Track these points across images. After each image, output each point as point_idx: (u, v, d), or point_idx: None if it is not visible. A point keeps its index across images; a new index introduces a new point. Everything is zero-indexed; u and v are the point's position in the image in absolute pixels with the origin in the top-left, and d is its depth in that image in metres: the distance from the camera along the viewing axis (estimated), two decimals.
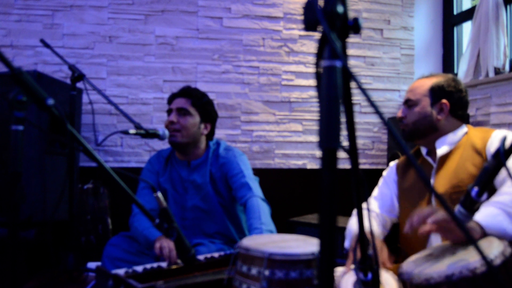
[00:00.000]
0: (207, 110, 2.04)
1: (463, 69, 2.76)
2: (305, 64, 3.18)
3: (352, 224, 1.62)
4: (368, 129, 3.24)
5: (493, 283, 0.96)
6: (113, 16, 2.95)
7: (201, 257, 1.58)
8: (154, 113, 2.98)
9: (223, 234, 2.03)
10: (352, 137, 0.73)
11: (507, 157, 1.01)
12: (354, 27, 0.61)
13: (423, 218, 1.17)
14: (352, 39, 2.84)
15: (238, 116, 3.08)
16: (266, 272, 1.07)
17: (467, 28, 3.02)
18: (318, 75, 0.60)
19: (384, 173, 1.78)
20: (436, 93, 1.57)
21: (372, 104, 0.57)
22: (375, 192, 1.75)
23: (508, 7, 2.53)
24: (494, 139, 1.45)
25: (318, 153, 3.09)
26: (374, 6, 3.28)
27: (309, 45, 3.19)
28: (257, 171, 2.12)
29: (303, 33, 3.17)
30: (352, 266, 1.27)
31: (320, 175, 0.57)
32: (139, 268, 1.44)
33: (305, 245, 1.18)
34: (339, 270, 1.26)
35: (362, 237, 0.89)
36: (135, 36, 2.97)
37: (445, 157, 1.54)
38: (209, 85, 3.01)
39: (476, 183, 1.08)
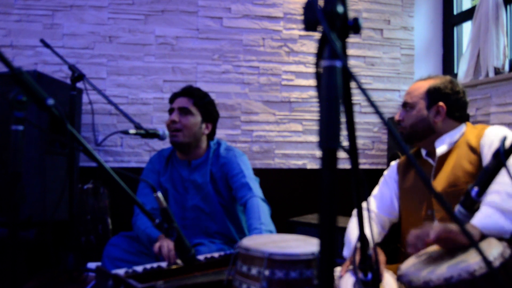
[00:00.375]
0: (208, 110, 2.04)
1: (463, 69, 2.76)
2: (305, 64, 3.18)
3: (351, 230, 1.60)
4: (368, 129, 3.24)
5: (492, 285, 0.96)
6: (113, 16, 2.94)
7: (201, 257, 1.58)
8: (154, 113, 2.98)
9: (223, 234, 2.03)
10: (352, 137, 0.73)
11: (507, 157, 1.01)
12: (354, 27, 0.61)
13: (423, 240, 1.16)
14: (352, 39, 2.84)
15: (238, 116, 3.08)
16: (266, 272, 1.07)
17: (467, 28, 3.02)
18: (318, 75, 0.60)
19: (385, 172, 1.78)
20: (432, 95, 1.57)
21: (372, 104, 0.57)
22: (375, 190, 1.75)
23: (508, 7, 2.52)
24: (487, 135, 1.45)
25: (318, 153, 3.08)
26: (374, 6, 3.28)
27: (309, 45, 3.19)
28: (257, 171, 2.12)
29: (303, 33, 3.16)
30: (350, 267, 1.27)
31: (320, 175, 0.57)
32: (139, 268, 1.45)
33: (305, 245, 1.18)
34: (338, 270, 1.26)
35: (362, 237, 0.89)
36: (135, 36, 2.97)
37: (444, 156, 1.54)
38: (209, 85, 3.00)
39: (476, 183, 1.08)
